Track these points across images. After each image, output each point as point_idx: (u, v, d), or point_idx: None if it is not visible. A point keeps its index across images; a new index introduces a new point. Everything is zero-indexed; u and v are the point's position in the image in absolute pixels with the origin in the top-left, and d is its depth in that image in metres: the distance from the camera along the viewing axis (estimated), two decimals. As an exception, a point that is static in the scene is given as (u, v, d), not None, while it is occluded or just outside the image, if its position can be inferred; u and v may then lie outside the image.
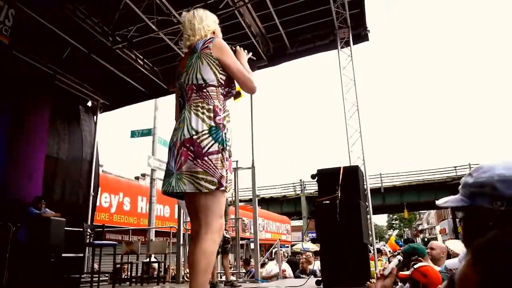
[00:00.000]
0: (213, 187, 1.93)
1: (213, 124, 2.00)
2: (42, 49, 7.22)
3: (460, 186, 0.98)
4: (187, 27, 2.25)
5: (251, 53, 2.42)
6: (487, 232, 0.82)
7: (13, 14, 6.06)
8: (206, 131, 1.97)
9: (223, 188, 1.97)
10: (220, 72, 2.10)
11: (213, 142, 1.96)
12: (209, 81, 2.07)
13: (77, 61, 7.67)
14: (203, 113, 2.01)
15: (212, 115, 2.01)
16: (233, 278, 7.62)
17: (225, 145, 2.00)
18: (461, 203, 0.94)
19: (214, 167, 1.94)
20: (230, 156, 2.09)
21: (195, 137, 1.96)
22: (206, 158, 1.94)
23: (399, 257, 2.25)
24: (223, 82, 2.11)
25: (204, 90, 2.06)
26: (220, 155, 1.97)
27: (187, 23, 2.26)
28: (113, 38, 7.25)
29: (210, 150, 1.95)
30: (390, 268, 1.65)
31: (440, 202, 1.03)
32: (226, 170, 2.01)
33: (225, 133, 2.02)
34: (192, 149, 1.95)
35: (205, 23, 2.26)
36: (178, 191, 1.98)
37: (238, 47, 2.32)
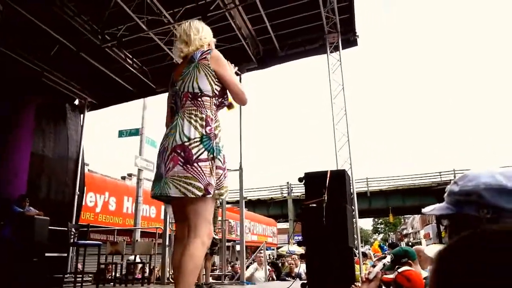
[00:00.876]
0: (199, 193, 1.96)
1: (204, 132, 2.05)
2: (30, 46, 7.13)
3: (445, 194, 1.00)
4: (183, 37, 2.28)
5: (237, 68, 2.45)
6: None
7: (0, 10, 5.98)
8: (198, 139, 2.02)
9: (210, 196, 2.01)
10: (216, 83, 2.15)
11: (203, 150, 2.01)
12: (205, 91, 2.12)
13: (65, 59, 7.59)
14: (195, 120, 2.06)
15: (204, 123, 2.06)
16: (212, 280, 7.61)
17: (215, 154, 2.05)
18: (447, 211, 0.96)
19: (202, 173, 1.98)
20: (223, 164, 2.14)
21: (186, 143, 2.01)
22: (195, 165, 1.98)
23: (384, 261, 2.28)
24: (217, 93, 2.16)
25: (199, 99, 2.12)
26: (209, 163, 2.01)
27: (182, 33, 2.29)
28: (102, 37, 7.19)
29: (200, 157, 2.00)
30: (375, 272, 1.67)
31: (426, 210, 1.05)
32: (219, 178, 2.09)
33: (216, 143, 2.08)
34: (183, 155, 1.99)
35: (201, 34, 2.30)
36: (164, 194, 2.02)
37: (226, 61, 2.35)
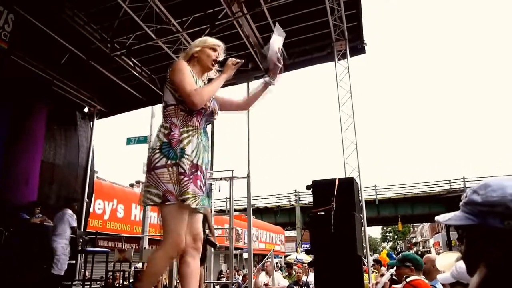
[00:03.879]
0: (158, 200, 2.00)
1: (165, 140, 2.08)
2: (41, 54, 7.24)
3: (462, 203, 0.96)
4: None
5: (243, 60, 2.42)
6: (496, 250, 0.82)
7: (12, 19, 6.08)
8: (158, 147, 2.08)
9: (171, 203, 2.00)
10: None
11: (161, 157, 2.04)
12: (168, 102, 2.18)
13: (75, 67, 7.70)
14: (160, 131, 2.14)
15: (167, 132, 2.11)
16: None
17: (178, 160, 2.03)
18: (467, 221, 0.92)
19: (159, 180, 2.01)
20: (196, 170, 2.09)
21: (149, 154, 2.10)
22: (152, 172, 2.03)
23: (392, 271, 2.25)
24: (182, 99, 2.16)
25: (165, 111, 2.19)
26: (166, 169, 2.02)
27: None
28: (112, 45, 7.27)
29: (157, 164, 2.03)
30: (383, 282, 1.64)
31: (441, 219, 1.01)
32: (182, 184, 2.01)
33: (181, 148, 2.06)
34: (147, 165, 2.10)
35: (187, 55, 2.35)
36: (144, 203, 2.09)
37: (229, 60, 2.36)
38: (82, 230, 7.73)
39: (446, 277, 1.80)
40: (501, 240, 0.85)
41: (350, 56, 7.62)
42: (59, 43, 6.87)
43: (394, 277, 3.19)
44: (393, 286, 2.65)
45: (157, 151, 2.06)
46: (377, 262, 8.34)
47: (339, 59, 7.63)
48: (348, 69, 7.54)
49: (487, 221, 0.88)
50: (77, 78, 8.15)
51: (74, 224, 6.03)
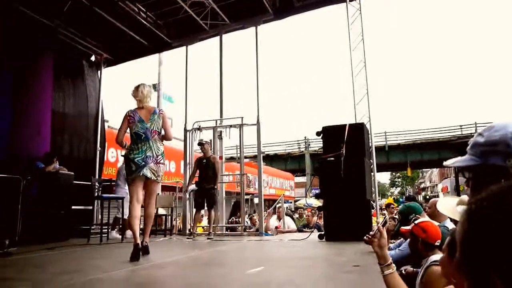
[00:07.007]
0: (160, 180, 4.28)
1: (163, 150, 4.32)
2: (43, 2, 7.03)
3: (468, 147, 0.97)
4: (146, 96, 4.31)
5: None
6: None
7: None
8: (161, 153, 4.27)
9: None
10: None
11: (163, 158, 4.28)
12: (161, 132, 4.30)
13: (80, 15, 7.49)
14: (161, 144, 4.29)
15: (162, 146, 4.32)
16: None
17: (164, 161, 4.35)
18: (471, 162, 0.93)
19: (162, 170, 4.25)
20: None
21: (158, 156, 4.21)
22: (161, 164, 4.24)
23: (386, 215, 2.29)
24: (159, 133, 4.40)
25: (160, 135, 4.29)
26: (164, 165, 4.34)
27: (146, 94, 4.32)
28: (115, -10, 7.03)
29: (162, 161, 4.26)
30: (376, 229, 1.64)
31: (448, 162, 1.02)
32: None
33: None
34: (156, 160, 4.17)
35: (150, 97, 4.41)
36: (147, 176, 4.10)
37: None
38: (97, 177, 7.93)
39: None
40: (502, 178, 0.85)
41: (363, -3, 7.29)
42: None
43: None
44: (402, 228, 2.72)
45: (162, 155, 4.26)
46: (388, 205, 8.45)
47: (350, 0, 7.31)
48: (360, 10, 7.24)
49: (489, 160, 0.89)
50: (81, 26, 7.95)
51: None
